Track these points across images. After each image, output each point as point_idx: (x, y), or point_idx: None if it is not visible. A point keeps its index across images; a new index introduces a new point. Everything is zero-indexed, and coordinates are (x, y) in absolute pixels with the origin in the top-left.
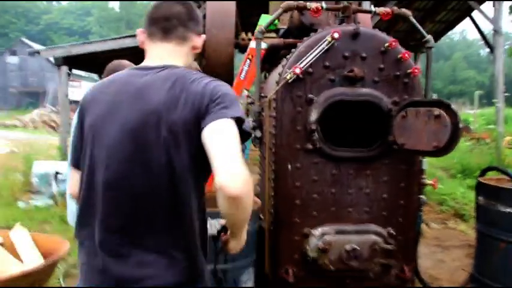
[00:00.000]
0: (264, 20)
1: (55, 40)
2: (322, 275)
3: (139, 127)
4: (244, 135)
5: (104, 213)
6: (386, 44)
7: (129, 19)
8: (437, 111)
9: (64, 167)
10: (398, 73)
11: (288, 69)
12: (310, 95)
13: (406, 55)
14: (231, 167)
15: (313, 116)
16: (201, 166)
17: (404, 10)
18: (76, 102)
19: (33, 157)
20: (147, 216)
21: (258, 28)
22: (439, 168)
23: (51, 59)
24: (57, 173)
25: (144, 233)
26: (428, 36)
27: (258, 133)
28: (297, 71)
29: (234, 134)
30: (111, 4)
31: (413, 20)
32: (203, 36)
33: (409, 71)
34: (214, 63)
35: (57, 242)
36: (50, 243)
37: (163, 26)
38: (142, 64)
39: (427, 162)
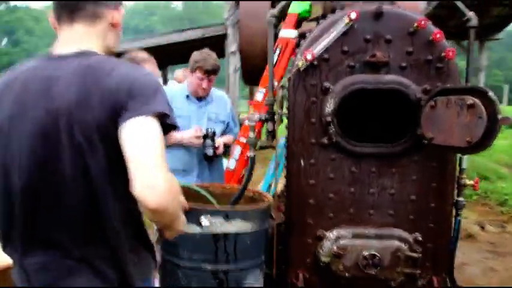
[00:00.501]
0: (295, 7)
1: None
2: (336, 282)
3: (49, 131)
4: (169, 129)
5: (24, 224)
6: (415, 24)
7: (192, 17)
8: (470, 99)
9: None
10: (429, 57)
11: (301, 56)
12: (326, 84)
13: (439, 35)
14: (146, 177)
15: (330, 106)
16: (125, 170)
17: None
18: None
19: None
20: (67, 226)
21: (269, 13)
22: (503, 165)
23: None
24: None
25: (68, 243)
26: (470, 14)
27: (269, 126)
28: (309, 57)
29: (153, 135)
30: (174, 4)
31: None
32: (122, 10)
33: (442, 54)
34: (248, 55)
35: None
36: None
37: (69, 5)
38: (52, 52)
39: (467, 159)
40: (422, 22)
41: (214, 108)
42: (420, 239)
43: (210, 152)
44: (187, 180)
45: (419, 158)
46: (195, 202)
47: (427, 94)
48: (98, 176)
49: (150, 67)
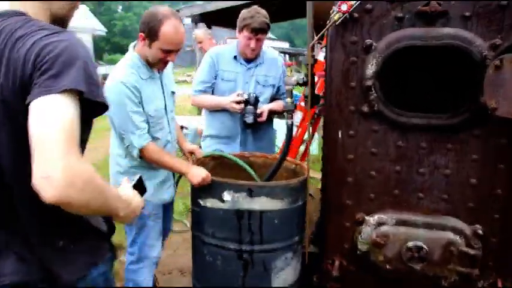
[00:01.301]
0: None
1: None
2: (376, 274)
3: None
4: (99, 108)
5: None
6: None
7: None
8: None
9: (191, 121)
10: (504, 1)
11: (337, 7)
12: (368, 40)
13: None
14: (43, 166)
15: (372, 68)
16: None
17: None
18: None
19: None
20: None
21: None
22: None
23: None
24: (181, 127)
25: None
26: None
27: (306, 91)
28: (344, 7)
29: (58, 117)
30: None
31: None
32: None
33: None
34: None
35: None
36: None
37: None
38: None
39: None
40: None
41: (264, 70)
42: (481, 232)
43: (250, 119)
44: (231, 148)
45: (482, 133)
46: (232, 172)
47: (496, 51)
48: (4, 158)
49: (174, 22)
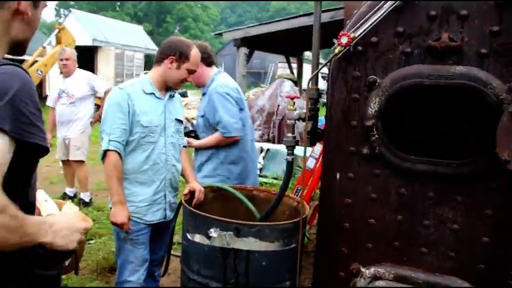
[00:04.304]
0: None
1: None
2: None
3: None
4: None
5: None
6: None
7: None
8: None
9: None
10: None
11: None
12: (371, 77)
13: None
14: None
15: (374, 106)
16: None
17: None
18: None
19: None
20: None
21: None
22: None
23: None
24: None
25: None
26: None
27: (308, 126)
28: (344, 40)
29: None
30: None
31: None
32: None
33: None
34: None
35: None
36: None
37: None
38: None
39: None
40: None
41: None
42: None
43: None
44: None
45: (498, 186)
46: (232, 205)
47: None
48: None
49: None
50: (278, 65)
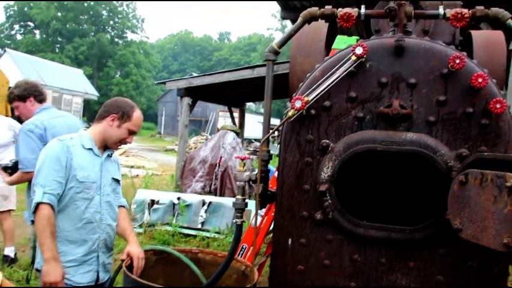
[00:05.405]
0: (340, 43)
1: None
2: None
3: None
4: None
5: None
6: (451, 63)
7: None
8: None
9: (164, 196)
10: (470, 109)
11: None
12: (325, 141)
13: (481, 80)
14: None
15: (328, 171)
16: None
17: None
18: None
19: (150, 183)
20: None
21: (268, 48)
22: None
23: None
24: (152, 201)
25: None
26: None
27: (260, 188)
28: (298, 104)
29: None
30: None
31: None
32: None
33: (489, 106)
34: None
35: None
36: None
37: None
38: None
39: None
40: (457, 61)
41: None
42: None
43: None
44: None
45: (448, 252)
46: (176, 269)
47: (463, 163)
48: None
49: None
50: (219, 114)
